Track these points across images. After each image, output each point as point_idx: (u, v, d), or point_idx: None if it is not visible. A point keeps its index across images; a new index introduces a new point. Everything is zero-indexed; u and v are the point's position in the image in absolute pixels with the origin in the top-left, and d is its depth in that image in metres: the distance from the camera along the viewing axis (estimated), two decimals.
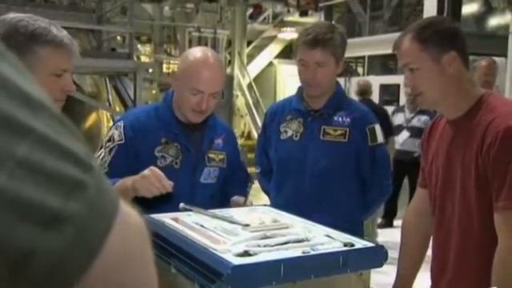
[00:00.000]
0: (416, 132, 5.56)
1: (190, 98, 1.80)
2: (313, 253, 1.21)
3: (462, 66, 1.56)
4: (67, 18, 6.78)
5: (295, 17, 12.39)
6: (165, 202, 1.62)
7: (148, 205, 1.59)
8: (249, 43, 12.21)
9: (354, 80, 8.46)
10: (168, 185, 1.59)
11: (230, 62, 11.50)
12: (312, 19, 11.21)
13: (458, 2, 7.68)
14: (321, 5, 10.39)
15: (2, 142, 0.38)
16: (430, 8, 7.56)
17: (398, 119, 6.00)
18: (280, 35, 12.65)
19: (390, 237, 5.45)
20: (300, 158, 2.11)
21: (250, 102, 11.24)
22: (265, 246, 1.23)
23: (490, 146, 1.44)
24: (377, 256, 1.26)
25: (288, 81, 12.20)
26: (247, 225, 1.40)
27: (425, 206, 1.73)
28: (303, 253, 1.20)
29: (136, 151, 1.79)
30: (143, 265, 0.48)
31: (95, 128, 8.15)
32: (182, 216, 1.55)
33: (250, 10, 12.59)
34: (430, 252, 1.74)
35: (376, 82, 8.42)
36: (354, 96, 5.39)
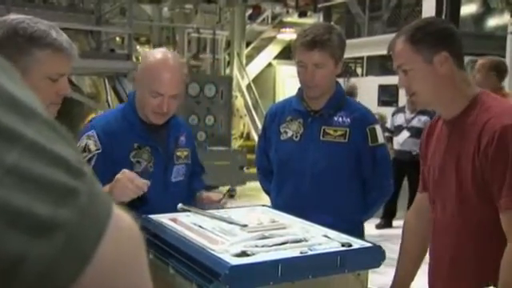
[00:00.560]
0: (416, 132, 5.56)
1: (151, 101, 1.80)
2: (310, 253, 1.21)
3: (455, 65, 1.58)
4: (66, 18, 6.77)
5: (294, 17, 12.39)
6: (141, 205, 1.61)
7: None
8: (248, 44, 12.20)
9: (353, 81, 8.46)
10: (142, 183, 1.56)
11: (229, 62, 11.49)
12: (311, 20, 11.21)
13: (456, 2, 7.69)
14: (319, 6, 10.39)
15: None
16: (428, 9, 7.56)
17: (399, 120, 6.01)
18: (279, 36, 12.65)
19: (389, 237, 5.45)
20: (300, 159, 2.11)
21: (249, 102, 11.24)
22: (263, 246, 1.23)
23: (487, 146, 1.45)
24: (374, 256, 1.26)
25: (287, 81, 12.20)
26: (245, 225, 1.40)
27: (425, 208, 1.74)
28: (301, 253, 1.20)
29: (112, 158, 1.79)
30: (137, 270, 0.47)
31: None
32: (181, 217, 1.55)
33: (249, 11, 12.59)
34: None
35: (375, 82, 8.43)
36: None
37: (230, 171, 8.02)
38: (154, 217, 1.52)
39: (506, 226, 1.44)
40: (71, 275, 0.40)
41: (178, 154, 1.96)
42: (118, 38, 9.01)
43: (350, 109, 2.15)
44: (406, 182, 5.86)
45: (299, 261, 1.18)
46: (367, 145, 2.10)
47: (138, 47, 11.11)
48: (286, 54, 13.59)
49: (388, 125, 6.14)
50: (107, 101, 8.27)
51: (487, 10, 9.27)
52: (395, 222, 6.29)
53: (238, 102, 11.08)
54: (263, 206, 1.76)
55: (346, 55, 2.28)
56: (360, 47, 8.72)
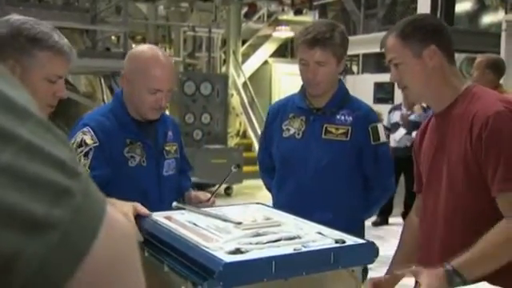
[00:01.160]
0: (412, 127, 5.59)
1: (149, 98, 1.82)
2: (304, 250, 1.21)
3: (445, 59, 1.62)
4: (61, 17, 6.76)
5: (290, 15, 12.39)
6: (140, 201, 1.61)
7: None
8: (244, 42, 12.20)
9: (349, 78, 8.48)
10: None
11: (224, 61, 11.49)
12: (306, 18, 11.22)
13: (451, 0, 7.71)
14: (315, 3, 10.40)
15: None
16: (423, 6, 7.58)
17: (395, 117, 6.03)
18: (275, 34, 12.64)
19: (385, 234, 5.47)
20: (302, 156, 2.12)
21: (246, 100, 11.24)
22: (257, 243, 1.24)
23: (480, 131, 1.48)
24: (368, 252, 1.27)
25: (283, 79, 12.20)
26: (240, 223, 1.40)
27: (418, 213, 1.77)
28: (294, 250, 1.21)
29: (108, 153, 1.80)
30: (130, 269, 0.48)
31: None
32: (175, 214, 1.56)
33: (245, 9, 12.59)
34: None
35: (370, 80, 8.44)
36: None
37: (226, 169, 8.01)
38: (151, 216, 1.53)
39: (502, 206, 1.46)
40: (65, 273, 0.41)
41: (168, 148, 1.98)
42: (113, 37, 9.00)
43: (352, 107, 2.15)
44: (402, 179, 5.88)
45: (293, 258, 1.18)
46: (369, 143, 2.11)
47: (133, 46, 11.09)
48: (281, 51, 13.60)
49: (385, 122, 6.16)
50: (103, 100, 8.26)
51: (482, 7, 9.30)
52: (391, 219, 6.31)
53: (234, 100, 11.08)
54: (258, 203, 1.77)
55: None
56: (355, 45, 8.71)
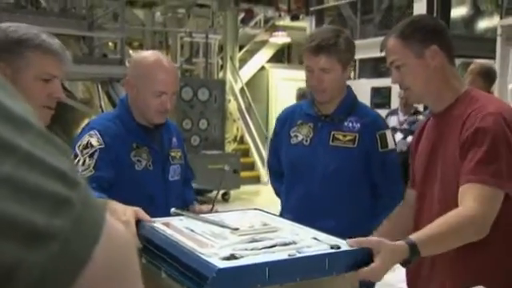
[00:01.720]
0: (409, 133, 5.60)
1: (154, 101, 1.85)
2: (298, 255, 1.21)
3: (446, 59, 1.63)
4: (58, 24, 6.77)
5: (286, 21, 12.42)
6: (147, 205, 1.62)
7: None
8: (241, 48, 12.22)
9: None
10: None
11: (222, 66, 11.50)
12: (303, 23, 11.25)
13: (447, 4, 7.75)
14: (312, 9, 10.43)
15: None
16: (419, 11, 7.61)
17: (392, 122, 6.04)
18: (272, 39, 12.67)
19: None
20: (310, 163, 2.12)
21: (243, 106, 11.25)
22: (252, 249, 1.24)
23: (468, 129, 1.48)
24: (363, 258, 1.27)
25: (280, 85, 12.22)
26: (236, 228, 1.40)
27: (410, 205, 1.77)
28: (289, 255, 1.20)
29: (114, 157, 1.81)
30: (130, 277, 0.48)
31: None
32: (174, 221, 1.55)
33: (242, 15, 12.62)
34: None
35: (367, 85, 8.46)
36: None
37: (223, 175, 8.01)
38: (148, 223, 1.52)
39: (463, 195, 1.44)
40: (65, 283, 0.41)
41: (173, 154, 1.99)
42: (110, 43, 9.01)
43: (360, 114, 2.15)
44: None
45: (287, 263, 1.18)
46: (377, 150, 2.10)
47: (130, 52, 11.10)
48: (278, 57, 13.62)
49: None
50: (100, 106, 8.26)
51: (477, 12, 9.34)
52: None
53: (232, 106, 11.09)
54: (256, 209, 1.77)
55: None
56: None
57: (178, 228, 1.45)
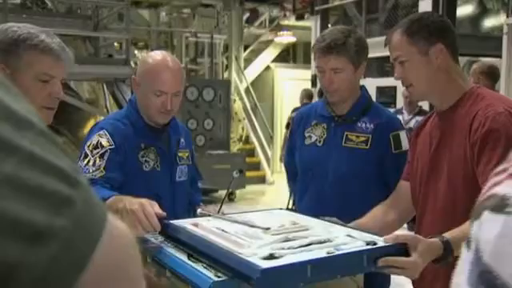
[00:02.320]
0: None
1: (155, 100, 1.85)
2: (337, 253, 1.21)
3: (450, 58, 1.62)
4: (64, 25, 6.80)
5: (291, 20, 12.41)
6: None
7: None
8: (246, 47, 12.22)
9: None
10: (156, 223, 1.45)
11: (227, 66, 11.51)
12: (308, 23, 11.23)
13: (452, 3, 7.71)
14: (317, 8, 10.41)
15: None
16: (425, 10, 7.58)
17: None
18: (277, 39, 12.66)
19: None
20: (322, 164, 2.11)
21: (248, 106, 11.24)
22: (289, 248, 1.23)
23: (478, 130, 1.48)
24: (399, 253, 1.27)
25: (285, 84, 12.21)
26: (268, 228, 1.39)
27: (405, 194, 1.78)
28: (328, 253, 1.20)
29: (123, 157, 1.82)
30: (132, 277, 0.48)
31: None
32: (202, 221, 1.54)
33: (247, 15, 12.62)
34: None
35: (373, 84, 8.44)
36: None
37: (229, 175, 8.02)
38: (176, 222, 1.50)
39: None
40: (67, 281, 0.41)
41: (180, 154, 2.00)
42: (116, 44, 9.03)
43: (374, 114, 2.13)
44: None
45: (327, 261, 1.18)
46: (390, 152, 2.08)
47: (136, 52, 11.13)
48: (283, 56, 13.61)
49: None
50: (106, 106, 8.28)
51: (483, 10, 9.29)
52: None
53: (237, 106, 11.09)
54: (280, 209, 1.76)
55: None
56: None
57: (209, 228, 1.43)
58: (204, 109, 8.89)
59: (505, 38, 6.17)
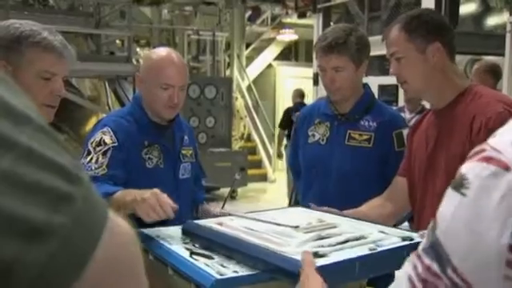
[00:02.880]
0: None
1: (162, 94, 1.85)
2: (380, 249, 1.20)
3: (447, 57, 1.62)
4: (66, 22, 6.80)
5: (293, 18, 12.38)
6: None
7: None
8: (247, 45, 12.21)
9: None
10: (170, 211, 1.47)
11: (229, 64, 11.51)
12: (310, 21, 11.21)
13: (455, 1, 7.69)
14: (319, 6, 10.39)
15: None
16: (427, 7, 7.56)
17: None
18: (279, 37, 12.65)
19: None
20: (325, 162, 2.12)
21: (250, 104, 11.25)
22: (328, 245, 1.21)
23: (480, 131, 1.48)
24: None
25: (287, 82, 12.20)
26: (296, 226, 1.36)
27: (401, 190, 1.79)
28: (370, 250, 1.19)
29: (126, 154, 1.82)
30: (134, 275, 0.47)
31: None
32: (225, 220, 1.51)
33: (249, 12, 12.61)
34: None
35: (375, 82, 8.43)
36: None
37: (230, 172, 8.03)
38: (201, 222, 1.47)
39: None
40: (66, 281, 0.40)
41: (184, 152, 2.00)
42: (117, 41, 9.03)
43: (377, 113, 2.13)
44: None
45: (372, 258, 1.17)
46: (393, 150, 2.08)
47: (137, 50, 11.13)
48: (285, 54, 13.60)
49: None
50: (108, 104, 8.29)
51: (486, 8, 9.27)
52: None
53: (239, 104, 11.10)
54: (297, 206, 1.75)
55: None
56: None
57: (237, 227, 1.40)
58: (206, 106, 8.89)
59: (508, 37, 6.15)
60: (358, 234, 1.30)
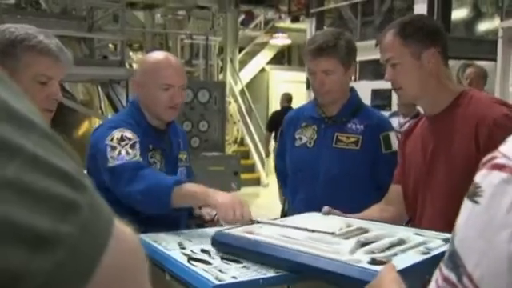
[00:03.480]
0: None
1: (162, 95, 1.84)
2: (433, 253, 1.18)
3: (441, 62, 1.62)
4: (59, 26, 6.76)
5: (287, 23, 12.41)
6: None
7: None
8: (241, 49, 12.22)
9: None
10: (248, 215, 1.54)
11: (222, 68, 11.50)
12: (303, 25, 11.24)
13: (447, 7, 7.74)
14: (312, 11, 10.42)
15: None
16: (420, 13, 7.61)
17: (393, 124, 6.02)
18: (272, 41, 12.68)
19: None
20: (313, 165, 2.12)
21: (243, 108, 11.25)
22: (379, 251, 1.19)
23: (491, 134, 1.47)
24: None
25: (280, 86, 12.21)
26: (332, 233, 1.34)
27: (396, 198, 1.79)
28: (423, 254, 1.18)
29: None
30: (138, 282, 0.47)
31: (88, 136, 8.11)
32: (254, 228, 1.46)
33: (242, 17, 12.62)
34: None
35: (368, 87, 8.46)
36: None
37: (223, 177, 8.01)
38: (231, 231, 1.41)
39: None
40: None
41: (180, 156, 2.00)
42: (110, 45, 9.00)
43: (364, 116, 2.15)
44: None
45: (430, 262, 1.14)
46: (381, 152, 2.09)
47: (130, 53, 11.09)
48: (278, 59, 13.62)
49: None
50: (100, 108, 8.25)
51: (478, 14, 9.34)
52: None
53: (232, 108, 11.09)
54: (312, 212, 1.71)
55: None
56: None
57: (272, 236, 1.35)
58: (199, 111, 8.87)
59: (500, 42, 6.19)
60: (397, 238, 1.27)
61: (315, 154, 2.13)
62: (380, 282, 0.89)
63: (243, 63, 12.34)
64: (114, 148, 1.72)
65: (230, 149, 10.50)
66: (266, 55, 12.83)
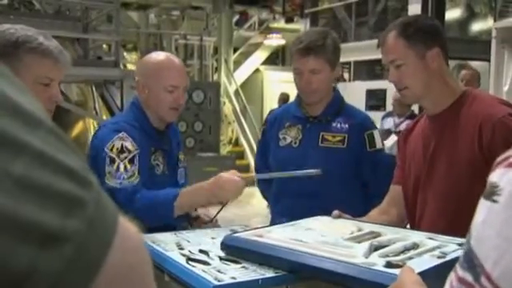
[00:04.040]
0: None
1: (167, 97, 1.85)
2: (449, 257, 1.17)
3: (444, 61, 1.62)
4: (53, 26, 6.73)
5: (281, 23, 12.44)
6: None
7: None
8: (235, 50, 12.23)
9: (341, 85, 8.51)
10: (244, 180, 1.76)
11: (216, 68, 11.50)
12: (298, 26, 11.26)
13: (441, 7, 7.78)
14: (306, 11, 10.45)
15: None
16: (414, 13, 7.64)
17: (388, 124, 6.05)
18: (266, 42, 12.69)
19: None
20: (299, 165, 2.11)
21: (237, 108, 11.25)
22: (393, 255, 1.18)
23: (493, 136, 1.48)
24: None
25: (274, 87, 12.23)
26: (348, 236, 1.33)
27: (398, 198, 1.78)
28: (438, 258, 1.17)
29: (142, 160, 1.80)
30: (144, 279, 0.47)
31: (82, 137, 8.08)
32: (264, 232, 1.43)
33: (236, 17, 12.62)
34: None
35: (362, 87, 8.49)
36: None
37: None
38: (243, 235, 1.38)
39: None
40: (81, 285, 0.40)
41: (180, 157, 2.01)
42: (105, 46, 8.98)
43: (348, 115, 2.16)
44: None
45: (447, 265, 1.09)
46: (366, 150, 2.11)
47: (125, 54, 11.08)
48: (273, 59, 13.64)
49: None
50: (95, 108, 8.22)
51: (471, 14, 9.39)
52: None
53: (226, 108, 11.09)
54: (316, 216, 1.70)
55: None
56: (347, 52, 8.72)
57: (284, 239, 1.32)
58: (194, 111, 8.87)
59: (493, 42, 6.23)
60: (411, 242, 1.27)
61: (301, 154, 2.13)
62: (402, 284, 0.86)
63: (238, 63, 12.34)
64: (112, 161, 1.72)
65: (225, 149, 10.50)
66: (260, 56, 12.84)
